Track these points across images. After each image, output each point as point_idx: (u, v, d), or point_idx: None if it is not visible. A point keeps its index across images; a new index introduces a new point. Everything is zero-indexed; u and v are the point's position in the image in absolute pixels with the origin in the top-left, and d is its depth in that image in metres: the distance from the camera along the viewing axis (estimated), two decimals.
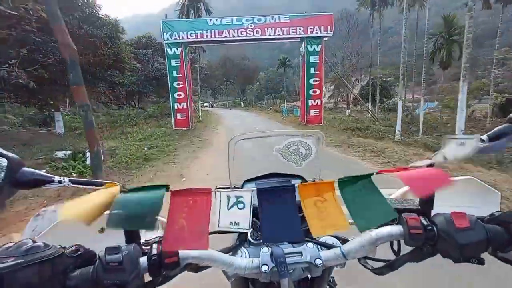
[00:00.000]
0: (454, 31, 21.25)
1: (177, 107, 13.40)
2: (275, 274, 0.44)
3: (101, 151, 6.55)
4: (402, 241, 0.46)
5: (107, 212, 0.42)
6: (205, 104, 41.78)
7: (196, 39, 13.32)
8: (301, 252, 0.47)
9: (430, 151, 7.12)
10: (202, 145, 8.87)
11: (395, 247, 0.50)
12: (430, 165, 0.49)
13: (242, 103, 47.48)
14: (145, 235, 0.49)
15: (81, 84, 3.48)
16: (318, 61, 13.44)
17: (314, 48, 13.31)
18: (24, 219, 3.39)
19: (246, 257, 0.51)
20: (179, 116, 13.46)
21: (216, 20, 13.51)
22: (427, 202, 0.47)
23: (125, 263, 0.36)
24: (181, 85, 13.31)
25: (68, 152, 6.59)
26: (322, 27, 13.09)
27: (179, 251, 0.41)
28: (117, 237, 0.43)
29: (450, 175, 0.45)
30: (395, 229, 0.44)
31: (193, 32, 13.06)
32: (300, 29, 13.18)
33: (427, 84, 13.73)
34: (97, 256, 0.38)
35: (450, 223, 0.41)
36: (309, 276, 0.51)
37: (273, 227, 0.47)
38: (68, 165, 5.84)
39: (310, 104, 13.81)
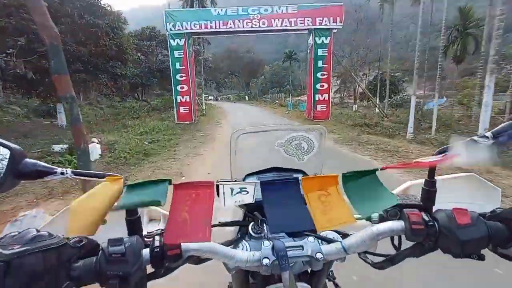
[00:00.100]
0: (470, 23, 20.34)
1: (180, 100, 13.02)
2: (276, 267, 0.44)
3: (99, 146, 6.30)
4: (403, 237, 0.46)
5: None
6: (209, 98, 41.37)
7: (200, 30, 12.84)
8: (302, 246, 0.47)
9: None
10: (205, 140, 8.58)
11: (396, 242, 0.50)
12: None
13: (246, 97, 46.98)
14: (147, 228, 0.50)
15: (64, 72, 3.11)
16: (327, 54, 12.85)
17: (322, 41, 12.73)
18: (10, 220, 3.14)
19: (247, 250, 0.50)
20: (181, 109, 13.09)
21: (221, 10, 13.01)
22: (429, 198, 0.47)
23: (128, 255, 0.37)
24: (184, 78, 12.92)
25: (65, 146, 6.36)
26: (331, 18, 12.46)
27: (181, 244, 0.41)
28: (119, 229, 0.44)
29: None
30: (397, 224, 0.44)
31: (197, 22, 12.58)
32: (308, 20, 12.58)
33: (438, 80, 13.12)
34: (100, 247, 0.38)
35: (451, 219, 0.41)
36: (309, 269, 0.52)
37: (279, 218, 0.49)
38: (64, 160, 5.61)
39: (317, 98, 13.30)
